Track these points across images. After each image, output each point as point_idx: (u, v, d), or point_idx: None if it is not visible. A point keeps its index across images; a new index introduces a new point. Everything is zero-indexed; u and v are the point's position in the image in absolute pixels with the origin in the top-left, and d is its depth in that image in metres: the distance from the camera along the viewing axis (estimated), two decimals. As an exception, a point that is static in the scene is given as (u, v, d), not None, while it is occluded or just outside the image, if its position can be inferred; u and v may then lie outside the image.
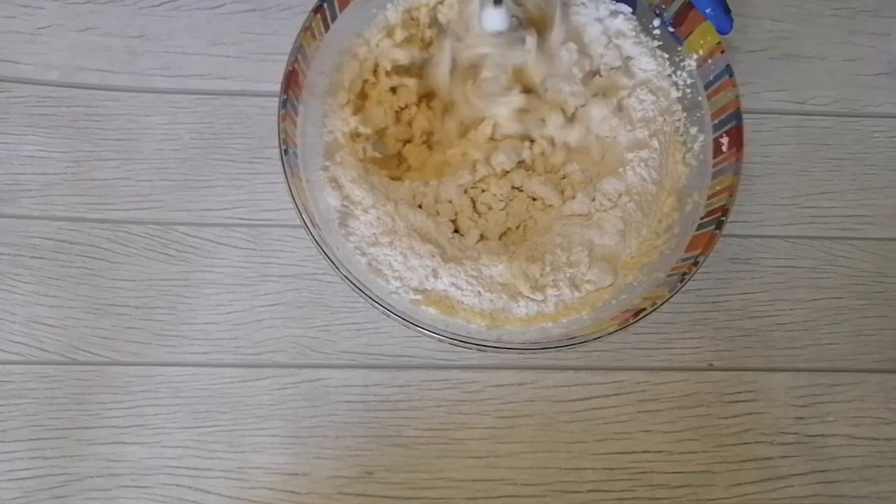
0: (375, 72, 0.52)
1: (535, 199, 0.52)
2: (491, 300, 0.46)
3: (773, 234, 0.55)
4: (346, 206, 0.47)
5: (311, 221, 0.44)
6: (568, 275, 0.47)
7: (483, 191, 0.51)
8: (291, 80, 0.46)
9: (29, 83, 0.54)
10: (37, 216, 0.52)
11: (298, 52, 0.46)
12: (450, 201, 0.50)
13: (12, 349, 0.49)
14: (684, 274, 0.44)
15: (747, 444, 0.50)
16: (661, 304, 0.44)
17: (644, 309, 0.43)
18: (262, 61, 0.55)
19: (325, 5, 0.47)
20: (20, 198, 0.52)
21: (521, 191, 0.51)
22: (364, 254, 0.46)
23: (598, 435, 0.50)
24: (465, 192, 0.51)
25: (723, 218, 0.45)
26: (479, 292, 0.46)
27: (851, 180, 0.56)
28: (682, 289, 0.44)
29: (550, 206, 0.51)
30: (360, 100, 0.51)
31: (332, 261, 0.43)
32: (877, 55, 0.59)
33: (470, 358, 0.51)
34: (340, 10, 0.48)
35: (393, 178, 0.51)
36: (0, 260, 0.51)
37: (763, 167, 0.56)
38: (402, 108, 0.52)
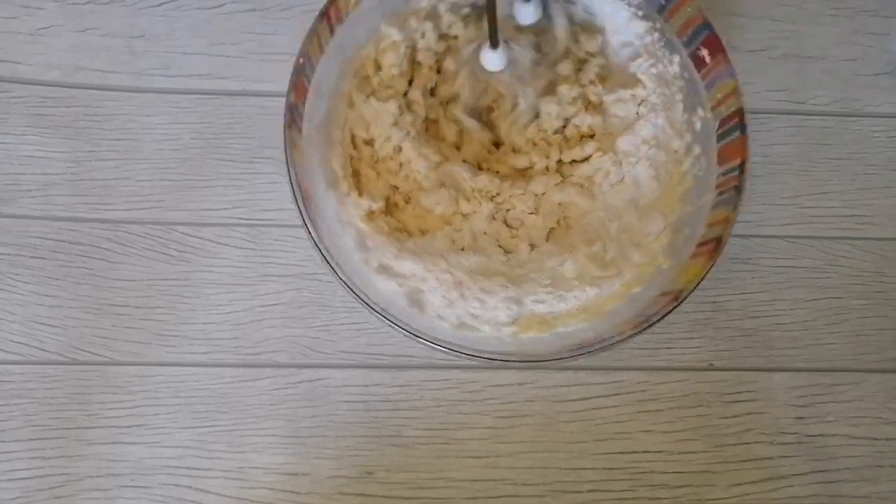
0: (353, 140, 0.49)
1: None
2: (575, 297, 0.46)
3: (773, 234, 0.54)
4: (403, 285, 0.46)
5: (318, 236, 0.43)
6: (626, 239, 0.47)
7: (508, 210, 0.50)
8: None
9: (29, 83, 0.54)
10: (37, 216, 0.52)
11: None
12: (485, 233, 0.49)
13: (12, 349, 0.49)
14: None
15: (747, 444, 0.50)
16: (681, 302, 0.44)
17: (683, 290, 0.44)
18: (261, 61, 0.55)
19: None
20: (20, 198, 0.52)
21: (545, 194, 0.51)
22: (443, 318, 0.46)
23: (598, 435, 0.50)
24: (493, 218, 0.50)
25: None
26: (562, 295, 0.46)
27: (851, 180, 0.56)
28: (682, 289, 0.44)
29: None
30: (355, 177, 0.49)
31: (330, 264, 0.43)
32: (877, 55, 0.59)
33: (470, 358, 0.51)
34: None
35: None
36: (0, 260, 0.51)
37: (763, 167, 0.56)
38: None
